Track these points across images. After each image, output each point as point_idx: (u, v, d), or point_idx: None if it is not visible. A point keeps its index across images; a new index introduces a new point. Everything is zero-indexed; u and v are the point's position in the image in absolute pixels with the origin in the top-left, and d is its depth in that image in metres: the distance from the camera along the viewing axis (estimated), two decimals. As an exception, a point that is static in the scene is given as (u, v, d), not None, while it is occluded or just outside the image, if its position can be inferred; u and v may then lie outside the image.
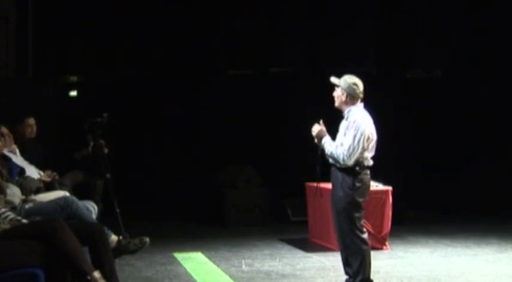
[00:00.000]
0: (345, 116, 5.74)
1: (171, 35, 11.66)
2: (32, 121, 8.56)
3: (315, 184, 6.52)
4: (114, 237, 5.90)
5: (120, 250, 5.91)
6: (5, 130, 7.35)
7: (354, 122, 5.62)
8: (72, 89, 11.85)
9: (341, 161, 5.62)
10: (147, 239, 6.03)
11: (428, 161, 11.48)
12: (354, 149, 5.57)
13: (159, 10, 11.58)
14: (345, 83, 5.71)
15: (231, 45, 11.99)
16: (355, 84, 5.71)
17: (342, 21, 11.85)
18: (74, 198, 5.91)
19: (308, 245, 8.38)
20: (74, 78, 12.07)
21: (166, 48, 11.67)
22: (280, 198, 10.26)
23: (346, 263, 5.86)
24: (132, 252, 6.04)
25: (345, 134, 5.66)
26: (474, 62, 11.61)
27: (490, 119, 11.45)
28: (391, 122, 10.41)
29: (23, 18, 11.08)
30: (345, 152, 5.58)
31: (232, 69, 12.03)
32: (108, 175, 7.49)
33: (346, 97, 5.70)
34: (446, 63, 12.02)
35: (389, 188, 8.06)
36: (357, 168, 5.63)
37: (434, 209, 10.61)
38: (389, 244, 8.07)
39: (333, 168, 5.78)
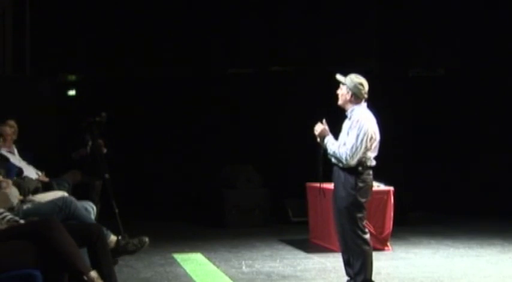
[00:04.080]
0: (348, 115, 5.69)
1: (171, 34, 11.63)
2: (12, 123, 8.25)
3: (317, 184, 6.45)
4: (113, 238, 5.83)
5: (119, 250, 5.84)
6: (8, 129, 7.23)
7: (357, 121, 5.56)
8: (71, 87, 11.79)
9: (344, 161, 5.56)
10: (147, 239, 5.96)
11: (429, 161, 11.42)
12: (357, 149, 5.51)
13: (160, 10, 11.54)
14: (350, 82, 5.65)
15: (231, 44, 11.94)
16: (361, 84, 5.65)
17: (342, 21, 11.81)
18: (73, 199, 5.84)
19: (309, 245, 8.34)
20: (72, 77, 12.02)
21: (167, 47, 11.62)
22: (281, 198, 10.20)
23: (348, 264, 5.80)
24: (131, 252, 5.97)
25: (348, 134, 5.61)
26: (476, 61, 11.56)
27: (491, 118, 11.40)
28: (392, 121, 10.35)
29: (20, 14, 11.01)
30: (348, 152, 5.52)
31: (232, 68, 11.98)
32: (107, 175, 7.43)
33: (351, 96, 5.64)
34: (447, 62, 11.96)
35: (391, 188, 8.00)
36: (360, 168, 5.57)
37: (435, 209, 10.57)
38: (391, 245, 8.02)
39: (335, 168, 5.72)
